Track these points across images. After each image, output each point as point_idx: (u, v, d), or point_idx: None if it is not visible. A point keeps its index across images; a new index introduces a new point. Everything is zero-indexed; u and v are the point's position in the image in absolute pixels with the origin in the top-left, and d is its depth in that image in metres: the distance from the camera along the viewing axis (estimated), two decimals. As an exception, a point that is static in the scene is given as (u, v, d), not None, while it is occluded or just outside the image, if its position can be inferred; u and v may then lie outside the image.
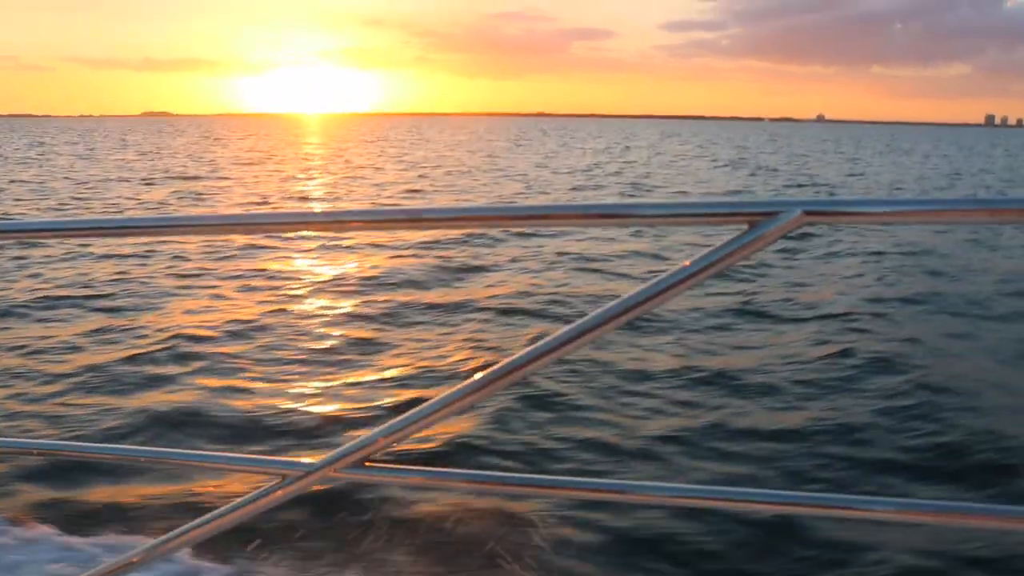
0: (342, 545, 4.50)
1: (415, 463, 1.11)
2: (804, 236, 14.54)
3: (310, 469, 1.11)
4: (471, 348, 8.23)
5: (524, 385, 6.48)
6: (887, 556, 4.45)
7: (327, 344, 8.47)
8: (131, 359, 7.89)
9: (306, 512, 4.65)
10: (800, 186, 29.93)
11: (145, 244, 13.91)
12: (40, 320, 9.57)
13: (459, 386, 1.02)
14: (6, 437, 1.36)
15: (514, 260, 13.19)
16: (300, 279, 11.86)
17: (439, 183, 28.39)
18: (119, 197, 23.56)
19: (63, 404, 6.75)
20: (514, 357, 1.00)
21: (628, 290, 0.95)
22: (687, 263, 0.94)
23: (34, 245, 13.64)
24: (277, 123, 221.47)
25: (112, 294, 10.81)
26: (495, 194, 24.75)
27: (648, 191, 26.80)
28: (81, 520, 4.74)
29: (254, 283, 11.52)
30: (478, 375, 1.01)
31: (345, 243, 14.37)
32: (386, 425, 1.07)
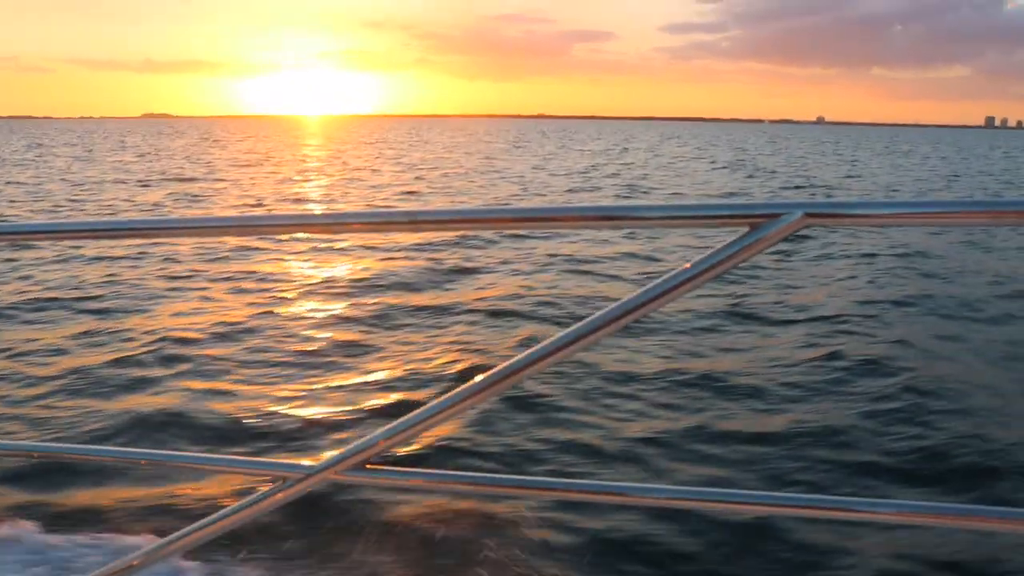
0: (343, 547, 4.50)
1: (416, 466, 1.11)
2: (797, 238, 14.53)
3: (311, 472, 1.11)
4: (465, 350, 8.19)
5: (516, 387, 6.45)
6: (863, 559, 4.42)
7: (321, 346, 8.44)
8: (121, 361, 7.86)
9: (307, 514, 4.66)
10: (797, 188, 29.92)
11: (138, 246, 13.89)
12: (33, 322, 9.54)
13: (459, 389, 1.03)
14: (5, 440, 1.34)
15: (505, 262, 13.16)
16: (295, 281, 11.83)
17: (435, 185, 28.37)
18: (114, 199, 23.54)
19: (49, 406, 6.72)
20: (514, 360, 1.00)
21: (627, 292, 0.94)
22: (687, 265, 0.94)
23: (26, 247, 13.61)
24: (277, 125, 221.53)
25: (101, 296, 10.77)
26: (490, 196, 24.73)
27: (644, 193, 26.78)
28: (82, 523, 4.74)
29: (249, 285, 11.48)
30: (478, 378, 1.02)
31: (338, 245, 14.34)
32: (386, 428, 1.07)
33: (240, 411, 6.53)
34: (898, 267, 13.04)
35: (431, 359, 7.92)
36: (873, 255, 14.03)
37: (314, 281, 11.79)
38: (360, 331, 9.03)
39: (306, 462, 1.12)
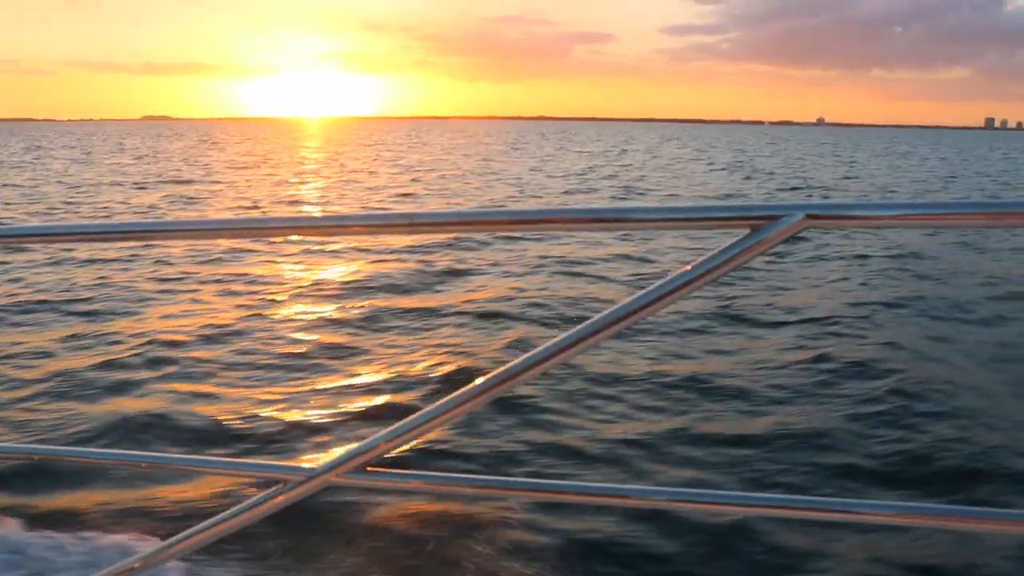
0: (343, 550, 4.51)
1: (416, 468, 1.13)
2: (790, 239, 14.45)
3: (311, 474, 1.11)
4: (459, 353, 8.18)
5: (512, 389, 6.42)
6: (841, 560, 4.40)
7: (317, 349, 8.41)
8: (115, 364, 7.86)
9: (308, 517, 4.66)
10: (794, 189, 29.89)
11: (131, 248, 13.89)
12: (22, 324, 9.51)
13: (459, 392, 1.03)
14: (4, 443, 1.34)
15: (495, 264, 13.15)
16: (289, 283, 11.81)
17: (432, 187, 28.37)
18: (110, 201, 23.54)
19: (38, 409, 6.72)
20: (513, 363, 1.00)
21: (624, 295, 0.93)
22: (688, 267, 0.94)
23: (19, 250, 13.60)
24: (277, 127, 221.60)
25: (93, 298, 10.77)
26: (486, 198, 24.72)
27: (640, 195, 26.77)
28: (82, 526, 4.74)
29: (243, 287, 11.47)
30: (478, 381, 1.02)
31: (330, 247, 14.32)
32: (386, 431, 1.07)
33: (238, 414, 6.52)
34: (891, 268, 13.01)
35: (426, 361, 7.90)
36: (866, 256, 14.01)
37: (308, 283, 11.77)
38: (355, 333, 9.01)
39: (306, 465, 1.13)
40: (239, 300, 10.68)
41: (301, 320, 9.70)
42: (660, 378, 7.36)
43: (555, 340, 0.98)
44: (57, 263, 13.07)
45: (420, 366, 7.74)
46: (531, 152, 57.89)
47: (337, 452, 1.10)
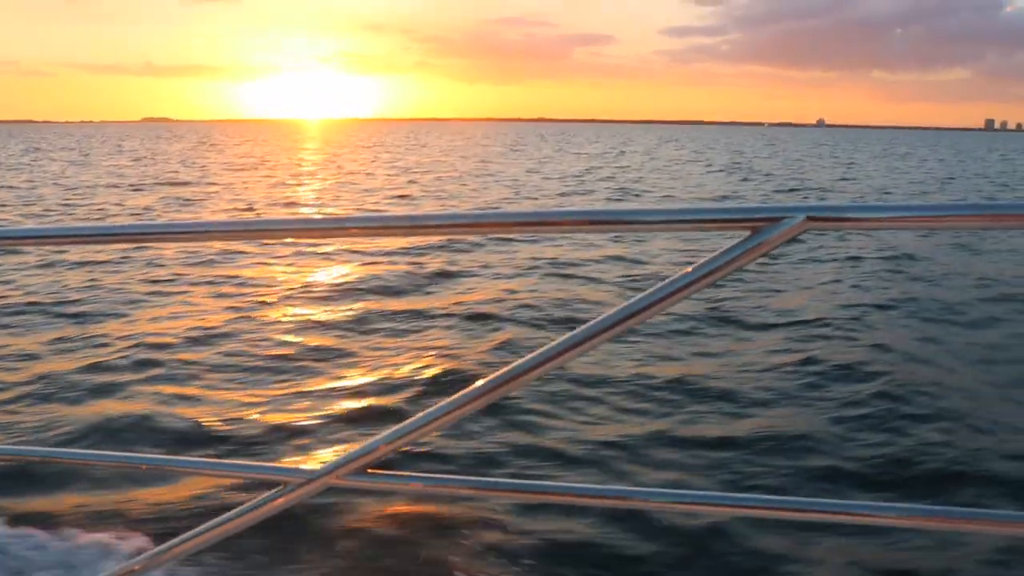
0: (344, 551, 4.52)
1: (416, 470, 1.12)
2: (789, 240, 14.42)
3: (312, 476, 1.11)
4: (454, 355, 8.18)
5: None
6: (822, 561, 4.38)
7: (313, 350, 8.42)
8: (108, 367, 7.84)
9: (308, 518, 4.69)
10: (791, 190, 29.89)
11: (125, 251, 13.87)
12: (11, 326, 9.49)
13: (459, 394, 1.03)
14: (5, 444, 1.33)
15: (490, 266, 13.13)
16: (284, 285, 11.81)
17: (428, 188, 28.37)
18: (105, 203, 23.52)
19: (27, 411, 6.71)
20: (513, 365, 1.00)
21: (623, 297, 0.92)
22: (688, 269, 0.94)
23: (12, 252, 13.57)
24: (277, 128, 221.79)
25: (87, 300, 10.76)
26: (482, 200, 24.71)
27: (637, 196, 26.79)
28: (82, 528, 4.74)
29: (241, 289, 11.47)
30: (479, 383, 1.02)
31: (323, 249, 14.31)
32: (387, 433, 1.08)
33: (237, 416, 6.53)
34: (884, 270, 13.00)
35: (421, 363, 7.89)
36: (859, 258, 14.00)
37: (303, 286, 11.77)
38: (351, 336, 9.01)
39: (307, 467, 1.13)
40: (233, 302, 10.67)
41: (296, 323, 9.69)
42: (651, 380, 7.36)
43: (555, 343, 0.98)
44: (49, 265, 13.04)
45: (416, 368, 7.73)
46: (529, 154, 57.91)
47: (337, 454, 1.11)
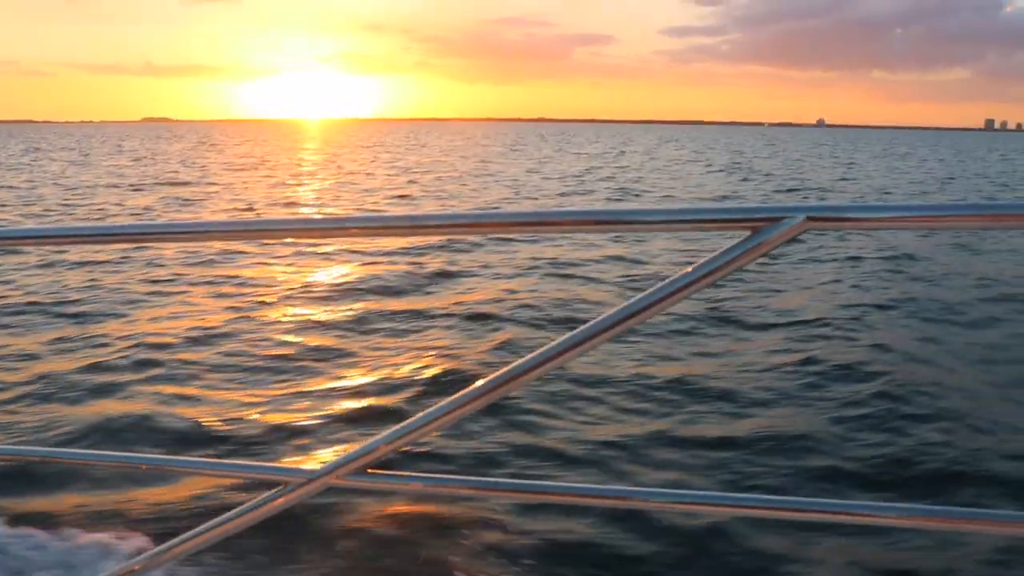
0: (344, 552, 4.52)
1: (417, 470, 1.12)
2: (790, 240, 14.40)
3: (312, 476, 1.11)
4: (456, 354, 8.18)
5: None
6: (821, 562, 4.38)
7: (312, 351, 8.40)
8: (107, 367, 7.84)
9: (308, 518, 4.69)
10: (790, 190, 29.88)
11: (124, 250, 13.87)
12: (11, 326, 9.49)
13: (459, 394, 1.03)
14: (5, 444, 1.34)
15: (489, 266, 13.12)
16: (283, 285, 11.80)
17: (428, 188, 28.37)
18: (105, 203, 23.51)
19: (22, 411, 6.70)
20: (513, 365, 1.00)
21: (623, 296, 0.93)
22: (688, 269, 0.94)
23: (13, 252, 13.56)
24: (277, 129, 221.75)
25: (86, 300, 10.76)
26: (481, 200, 24.70)
27: (636, 196, 26.78)
28: (82, 528, 4.73)
29: (241, 289, 11.46)
30: (479, 382, 1.02)
31: (323, 249, 14.30)
32: (387, 432, 1.08)
33: (236, 416, 6.52)
34: (883, 270, 13.00)
35: (421, 364, 7.88)
36: (859, 258, 13.99)
37: (303, 286, 11.77)
38: (351, 336, 9.00)
39: (307, 467, 1.13)
40: (233, 302, 10.66)
41: (296, 323, 9.68)
42: (652, 380, 7.35)
43: (555, 343, 0.98)
44: (49, 265, 13.03)
45: (416, 368, 7.73)
46: (529, 154, 57.89)
47: (338, 454, 1.13)
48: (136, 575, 1.24)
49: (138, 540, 4.54)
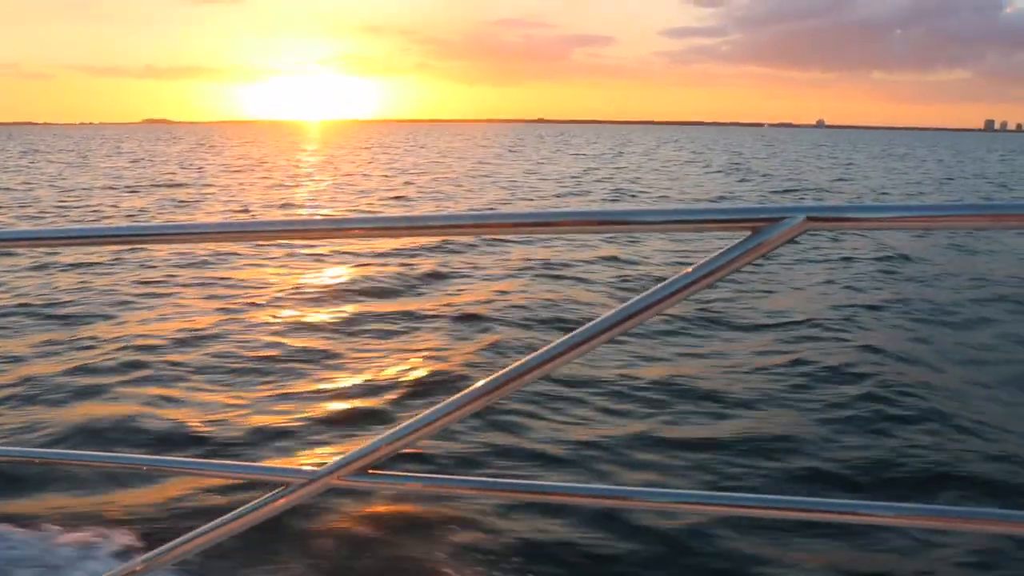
0: (345, 552, 4.51)
1: (418, 470, 1.10)
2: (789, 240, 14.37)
3: (313, 477, 1.12)
4: (452, 355, 8.16)
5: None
6: (801, 563, 4.35)
7: (307, 351, 8.38)
8: (103, 368, 7.83)
9: (309, 518, 4.68)
10: (786, 191, 29.86)
11: (132, 251, 13.87)
12: (7, 327, 9.47)
13: (459, 395, 1.03)
14: (5, 446, 1.34)
15: (484, 267, 13.09)
16: (280, 286, 11.76)
17: (424, 190, 28.36)
18: (100, 204, 23.50)
19: (16, 414, 6.70)
20: (514, 366, 1.00)
21: (620, 298, 0.94)
22: (688, 269, 0.95)
23: (6, 254, 13.55)
24: (277, 130, 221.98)
25: (75, 301, 10.73)
26: (476, 201, 24.67)
27: (633, 196, 26.76)
28: (83, 529, 4.72)
29: (235, 291, 11.43)
30: (479, 383, 1.02)
31: (318, 250, 14.28)
32: (387, 433, 1.08)
33: (238, 417, 6.51)
34: (881, 270, 12.99)
35: (419, 364, 7.86)
36: (851, 259, 13.97)
37: (299, 287, 11.71)
38: (351, 336, 8.98)
39: (308, 467, 1.13)
40: (233, 303, 10.64)
41: (296, 324, 9.64)
42: (650, 381, 7.33)
43: (555, 343, 0.98)
44: (42, 267, 13.01)
45: (417, 369, 7.71)
46: (527, 155, 57.88)
47: (339, 454, 1.11)
48: (138, 575, 1.25)
49: (139, 541, 4.54)
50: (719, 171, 41.63)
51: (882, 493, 5.23)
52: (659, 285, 0.95)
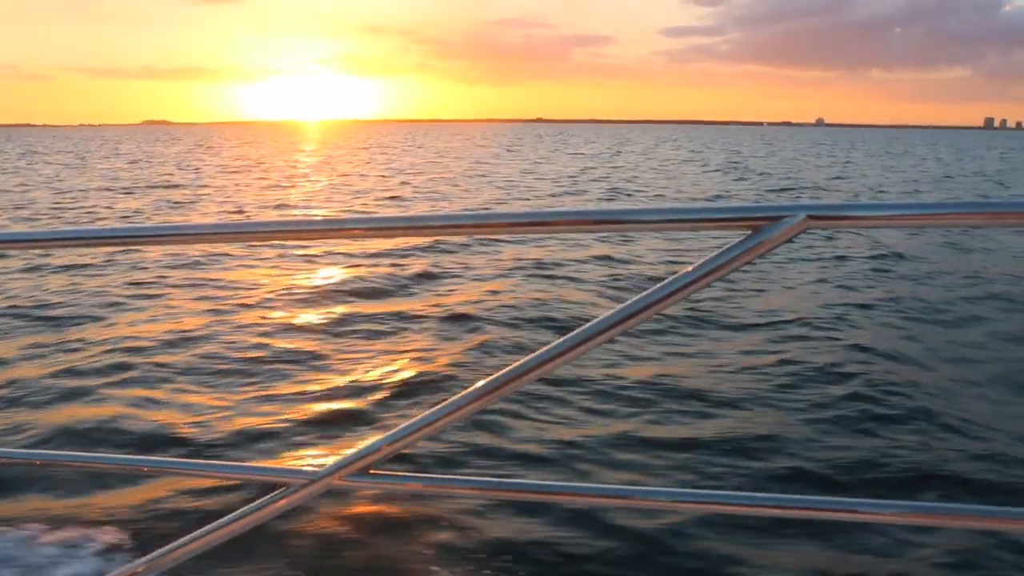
0: (346, 553, 4.50)
1: (418, 471, 1.09)
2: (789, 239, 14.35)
3: (314, 477, 1.12)
4: (449, 355, 8.14)
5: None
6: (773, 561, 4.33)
7: (304, 352, 8.37)
8: (101, 370, 7.83)
9: (309, 518, 4.69)
10: (783, 190, 29.82)
11: (115, 253, 13.86)
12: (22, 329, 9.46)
13: (460, 394, 1.04)
14: (6, 448, 1.35)
15: (478, 267, 13.08)
16: (276, 287, 11.75)
17: (420, 190, 28.36)
18: (96, 206, 23.49)
19: (18, 413, 6.71)
20: (514, 365, 1.00)
21: (626, 297, 0.96)
22: (689, 268, 0.95)
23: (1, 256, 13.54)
24: (276, 130, 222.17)
25: (78, 303, 10.74)
26: (470, 201, 24.64)
27: (628, 195, 26.74)
28: (82, 531, 4.72)
29: (229, 292, 11.42)
30: (480, 383, 1.02)
31: (312, 250, 14.26)
32: (388, 433, 1.08)
33: (238, 418, 6.51)
34: (869, 269, 12.96)
35: (423, 364, 7.85)
36: (845, 257, 13.95)
37: (303, 287, 11.70)
38: (350, 337, 8.96)
39: (309, 468, 1.13)
40: (231, 304, 10.63)
41: (295, 325, 9.62)
42: (645, 381, 7.31)
43: (556, 343, 0.98)
44: (34, 269, 12.99)
45: (417, 369, 7.69)
46: (525, 155, 57.85)
47: (339, 455, 1.10)
48: None
49: (140, 543, 4.53)
50: (717, 170, 41.60)
51: (866, 492, 5.21)
52: (659, 284, 0.95)
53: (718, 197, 27.01)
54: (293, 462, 5.61)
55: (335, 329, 9.29)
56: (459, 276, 12.37)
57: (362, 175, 37.24)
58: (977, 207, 0.92)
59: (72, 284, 11.94)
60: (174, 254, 13.84)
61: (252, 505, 1.15)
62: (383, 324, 9.50)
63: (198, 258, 13.69)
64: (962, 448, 5.88)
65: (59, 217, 20.94)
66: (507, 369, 1.01)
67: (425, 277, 12.21)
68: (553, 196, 26.20)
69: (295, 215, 21.07)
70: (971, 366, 8.05)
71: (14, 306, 10.59)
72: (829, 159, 57.29)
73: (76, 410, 6.79)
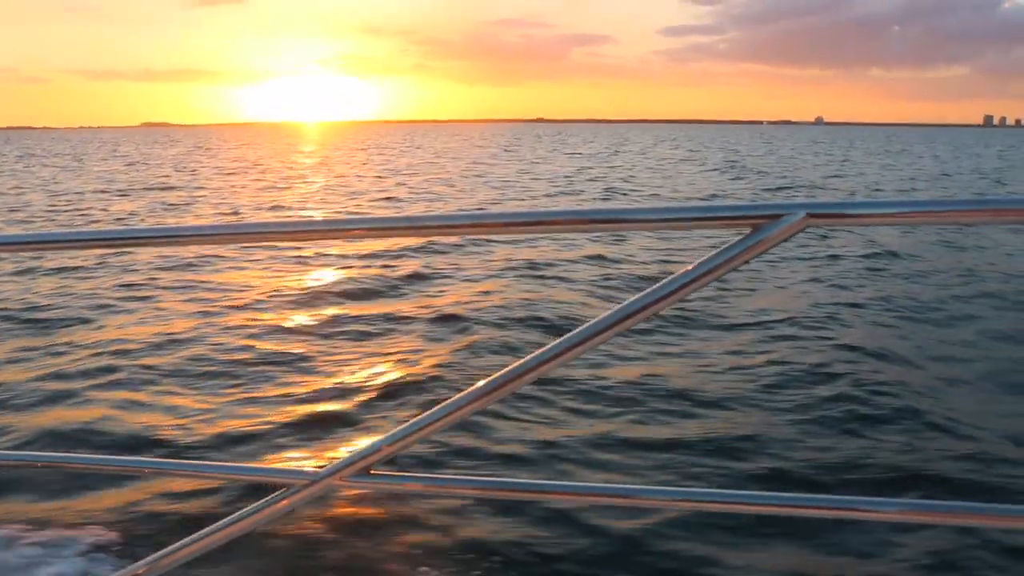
0: (347, 553, 4.50)
1: (419, 471, 1.07)
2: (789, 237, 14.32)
3: (315, 478, 1.12)
4: (446, 355, 8.13)
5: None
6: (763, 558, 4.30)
7: (300, 353, 8.37)
8: (103, 370, 7.84)
9: (310, 518, 4.69)
10: (779, 188, 29.81)
11: (133, 252, 13.88)
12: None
13: (461, 394, 1.04)
14: (6, 450, 1.31)
15: (473, 268, 13.05)
16: (272, 288, 11.74)
17: (416, 190, 28.36)
18: (91, 208, 23.48)
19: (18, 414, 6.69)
20: (515, 365, 1.00)
21: (625, 297, 0.96)
22: (689, 267, 0.94)
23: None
24: (275, 132, 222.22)
25: (72, 306, 10.74)
26: (464, 202, 24.62)
27: (624, 195, 26.72)
28: (85, 532, 4.72)
29: (241, 292, 11.42)
30: (480, 383, 1.03)
31: (306, 251, 14.23)
32: (388, 434, 1.08)
33: (238, 418, 6.51)
34: (863, 268, 12.94)
35: (424, 364, 7.84)
36: (838, 256, 13.93)
37: (290, 288, 11.69)
38: (349, 337, 8.96)
39: (310, 468, 1.13)
40: (216, 307, 10.61)
41: (278, 326, 9.60)
42: (649, 381, 7.30)
43: (556, 342, 0.98)
44: (25, 271, 12.97)
45: (418, 369, 7.68)
46: (522, 155, 57.83)
47: (340, 455, 1.09)
48: None
49: (141, 544, 4.52)
50: (714, 169, 41.59)
51: (851, 491, 5.18)
52: (659, 284, 0.94)
53: (714, 196, 26.99)
54: (291, 464, 5.60)
55: (329, 330, 9.28)
56: (448, 277, 12.36)
57: (359, 176, 37.24)
58: (977, 204, 0.91)
59: (63, 287, 11.92)
60: (166, 256, 13.81)
61: (253, 506, 1.15)
62: (377, 325, 9.49)
63: (190, 260, 13.67)
64: (948, 447, 5.86)
65: (53, 220, 20.93)
66: (506, 370, 1.01)
67: (417, 278, 12.19)
68: (548, 196, 26.19)
69: (289, 216, 21.06)
70: (961, 364, 8.02)
71: (3, 308, 10.56)
72: (827, 158, 57.28)
73: (75, 412, 6.80)
